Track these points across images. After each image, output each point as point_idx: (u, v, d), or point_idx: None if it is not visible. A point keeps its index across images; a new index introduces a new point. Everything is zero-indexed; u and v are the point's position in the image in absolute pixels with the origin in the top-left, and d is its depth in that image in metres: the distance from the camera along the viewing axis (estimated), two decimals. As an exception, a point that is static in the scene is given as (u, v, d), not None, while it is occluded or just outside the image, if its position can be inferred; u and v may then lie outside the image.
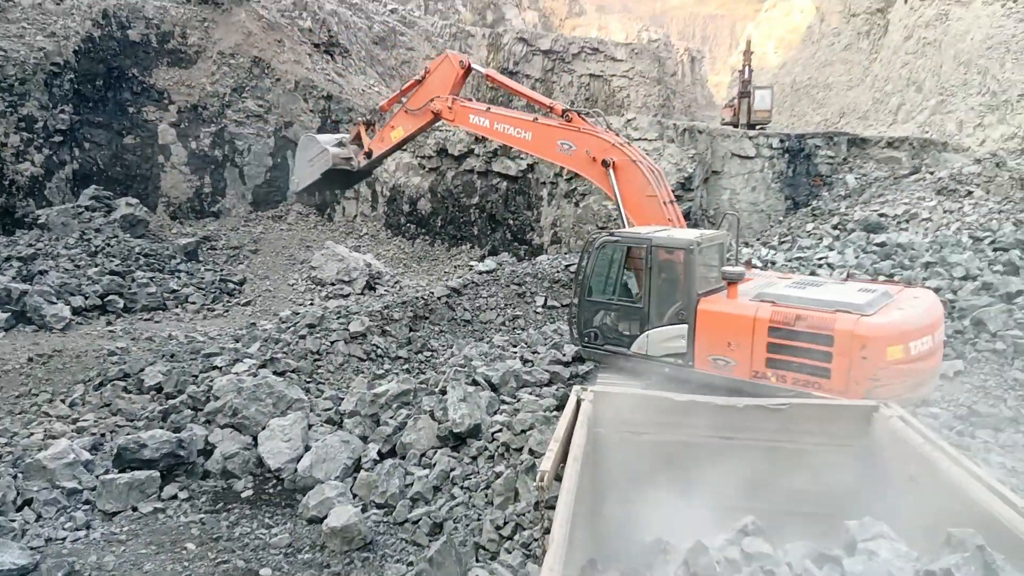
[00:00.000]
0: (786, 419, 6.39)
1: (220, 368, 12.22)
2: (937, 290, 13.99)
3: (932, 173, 24.73)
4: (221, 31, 28.88)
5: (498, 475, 8.51)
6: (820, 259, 17.50)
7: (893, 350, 7.57)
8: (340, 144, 15.60)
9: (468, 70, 13.98)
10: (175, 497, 9.22)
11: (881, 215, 21.82)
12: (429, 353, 14.49)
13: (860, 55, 44.50)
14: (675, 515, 6.39)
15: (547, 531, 4.33)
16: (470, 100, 14.11)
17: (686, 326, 9.15)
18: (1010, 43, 30.21)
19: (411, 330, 14.92)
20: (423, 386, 11.55)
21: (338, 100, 29.73)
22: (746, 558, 4.17)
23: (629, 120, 27.15)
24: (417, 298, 16.23)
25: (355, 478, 9.29)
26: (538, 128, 12.51)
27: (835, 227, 22.02)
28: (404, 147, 16.52)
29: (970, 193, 22.53)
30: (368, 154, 15.48)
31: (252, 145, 28.81)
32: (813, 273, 16.02)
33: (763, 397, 7.01)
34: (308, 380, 12.33)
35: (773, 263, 17.71)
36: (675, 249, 9.38)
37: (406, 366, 13.74)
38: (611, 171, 11.30)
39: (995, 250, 16.52)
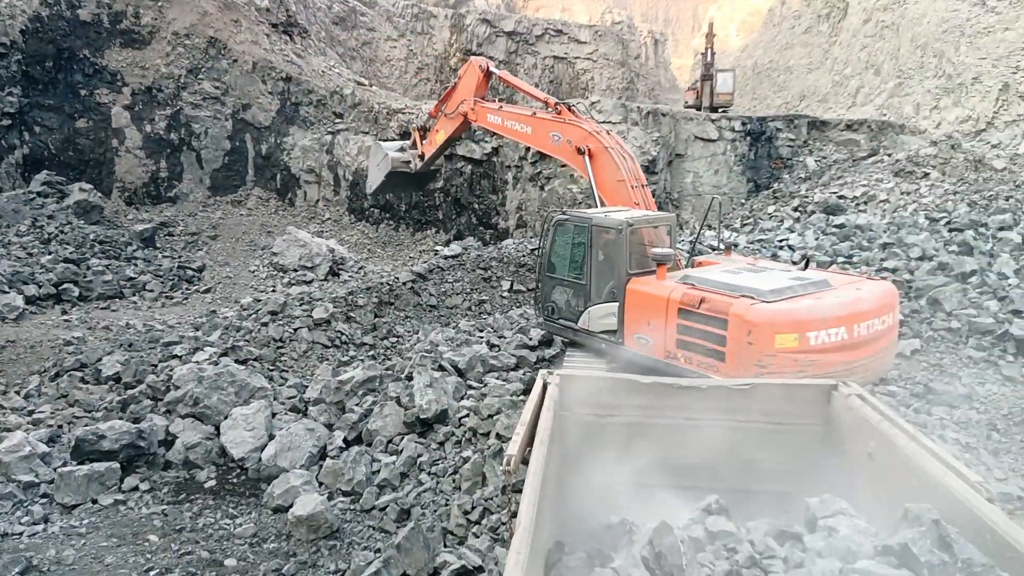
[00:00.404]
0: (747, 399, 6.47)
1: (180, 357, 12.02)
2: (894, 271, 14.30)
3: (890, 155, 25.21)
4: (175, 11, 28.11)
5: (465, 460, 8.50)
6: (781, 241, 17.75)
7: (782, 338, 7.49)
8: (401, 149, 16.91)
9: (489, 73, 14.91)
10: (136, 489, 9.05)
11: (840, 197, 22.20)
12: (395, 339, 14.40)
13: (820, 38, 45.00)
14: (641, 496, 6.46)
15: (514, 515, 4.33)
16: (492, 101, 14.98)
17: (618, 304, 9.54)
18: (964, 27, 30.80)
19: (376, 316, 14.80)
20: (389, 372, 11.48)
21: (297, 82, 29.22)
22: (710, 536, 4.22)
23: (594, 103, 27.15)
24: (382, 283, 16.11)
25: (321, 466, 9.22)
26: (535, 122, 13.28)
27: (796, 209, 22.36)
28: (450, 149, 18.09)
29: (926, 175, 23.03)
30: (421, 156, 16.62)
31: (209, 128, 28.21)
32: (775, 256, 16.25)
33: (675, 377, 7.10)
34: (271, 368, 12.18)
35: (736, 245, 17.92)
36: (609, 229, 9.72)
37: (371, 352, 13.65)
38: (587, 158, 11.82)
39: (950, 231, 16.92)
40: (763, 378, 7.25)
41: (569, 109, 12.92)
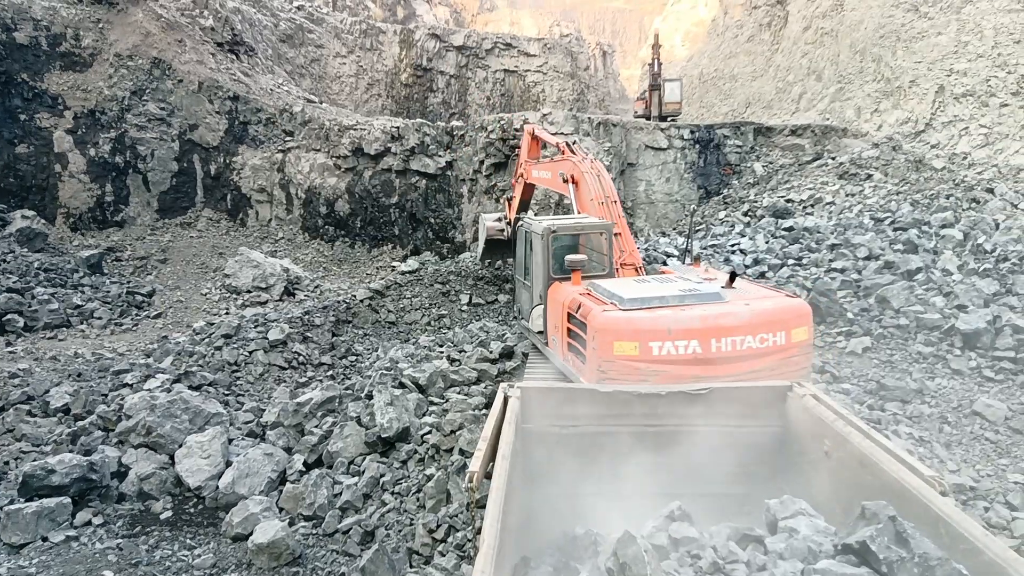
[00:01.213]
0: (706, 403, 6.54)
1: (131, 385, 11.71)
2: (843, 271, 14.65)
3: (834, 158, 25.86)
4: (117, 32, 27.54)
5: (429, 478, 8.42)
6: (733, 246, 18.06)
7: (621, 345, 7.52)
8: (498, 220, 18.13)
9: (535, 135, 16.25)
10: (89, 523, 8.76)
11: (788, 201, 22.70)
12: (354, 358, 14.24)
13: (763, 46, 46.07)
14: (605, 505, 6.47)
15: (479, 531, 4.30)
16: (538, 160, 16.10)
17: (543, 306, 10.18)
18: (900, 32, 31.82)
19: (334, 335, 14.62)
20: (348, 392, 11.34)
21: (245, 100, 28.83)
22: (673, 543, 4.24)
23: (545, 115, 27.34)
24: (339, 302, 15.93)
25: (281, 491, 9.05)
26: (551, 166, 14.39)
27: (746, 214, 22.80)
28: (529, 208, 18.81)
29: (870, 176, 23.68)
30: (510, 223, 17.48)
31: (155, 150, 27.64)
32: (727, 260, 16.52)
33: (568, 379, 7.16)
34: (226, 393, 11.93)
35: (689, 251, 18.17)
36: (536, 235, 10.45)
37: (330, 372, 13.47)
38: (571, 186, 12.82)
39: (895, 230, 17.42)
40: (610, 381, 7.24)
41: (570, 148, 13.95)
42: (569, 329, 8.66)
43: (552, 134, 15.20)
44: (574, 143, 14.66)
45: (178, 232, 26.87)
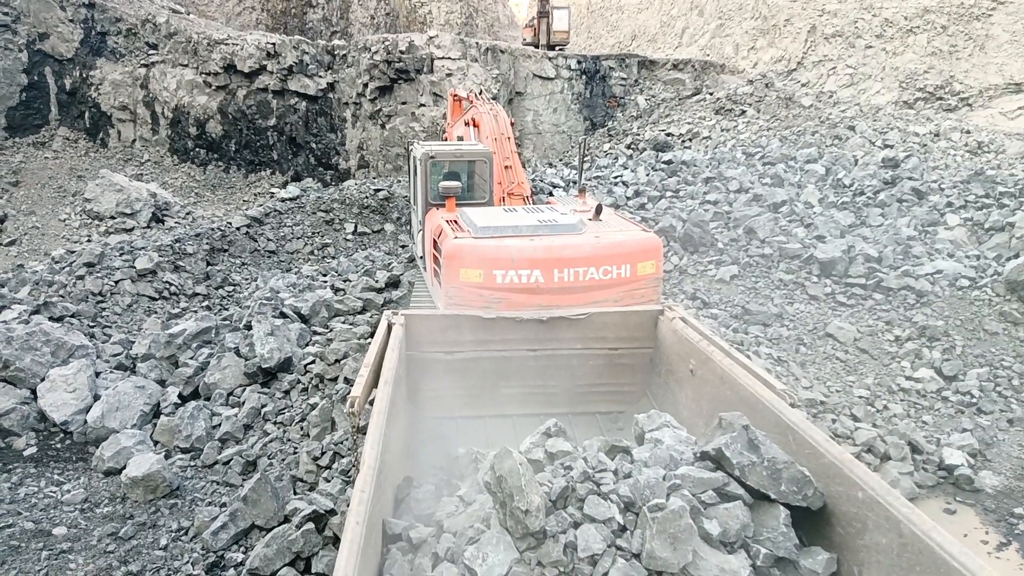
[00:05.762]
0: (585, 328, 6.83)
1: (-17, 317, 10.84)
2: (715, 203, 15.33)
3: (712, 94, 26.68)
4: (-56, -78, 24.33)
5: (313, 407, 8.38)
6: (616, 177, 18.48)
7: (466, 272, 7.66)
8: None
9: (456, 96, 16.48)
10: (-60, 464, 8.20)
11: (668, 134, 23.36)
12: (231, 288, 13.75)
13: (649, -22, 46.27)
14: (488, 425, 6.70)
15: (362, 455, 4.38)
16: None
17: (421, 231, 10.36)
18: (777, -29, 32.76)
19: (208, 264, 14.03)
20: (226, 323, 11.00)
21: (103, 8, 26.36)
22: (549, 457, 4.47)
23: (432, 38, 26.59)
24: (213, 229, 15.22)
25: (155, 424, 8.76)
26: (459, 119, 14.79)
27: (628, 147, 23.30)
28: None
29: (743, 112, 24.66)
30: None
31: (0, 61, 24.98)
32: (610, 192, 16.92)
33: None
34: (91, 324, 11.29)
35: (574, 183, 18.47)
36: (416, 160, 10.60)
37: (205, 303, 12.98)
38: (472, 128, 13.12)
39: (764, 164, 18.32)
40: (451, 309, 7.43)
41: (477, 97, 14.31)
42: (434, 255, 8.73)
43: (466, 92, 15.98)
44: (480, 93, 15.00)
45: (31, 152, 24.66)
